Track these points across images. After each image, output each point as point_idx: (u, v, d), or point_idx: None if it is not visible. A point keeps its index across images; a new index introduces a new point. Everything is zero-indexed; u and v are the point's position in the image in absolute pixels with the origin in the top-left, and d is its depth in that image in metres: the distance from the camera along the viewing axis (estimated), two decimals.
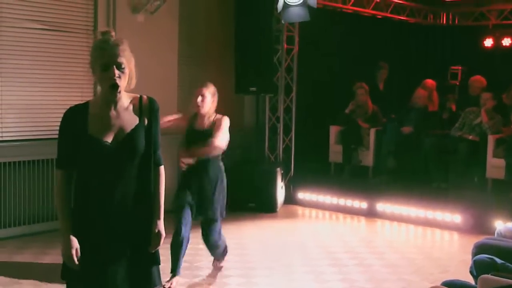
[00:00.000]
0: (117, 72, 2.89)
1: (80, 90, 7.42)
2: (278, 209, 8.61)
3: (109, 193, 2.92)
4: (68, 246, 2.88)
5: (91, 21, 7.49)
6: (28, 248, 6.41)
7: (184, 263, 5.99)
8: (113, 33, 2.99)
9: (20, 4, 6.86)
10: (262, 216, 8.09)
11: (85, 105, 2.98)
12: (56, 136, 3.01)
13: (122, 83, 2.92)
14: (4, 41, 6.77)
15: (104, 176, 2.92)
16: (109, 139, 2.90)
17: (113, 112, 2.94)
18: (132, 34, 7.71)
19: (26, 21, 6.92)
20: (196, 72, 8.66)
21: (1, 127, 6.81)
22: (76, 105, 3.00)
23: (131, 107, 2.99)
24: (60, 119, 3.02)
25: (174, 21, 8.29)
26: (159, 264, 3.10)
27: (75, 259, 2.89)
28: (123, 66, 2.92)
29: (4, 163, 6.71)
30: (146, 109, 3.01)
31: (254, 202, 8.54)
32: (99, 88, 2.99)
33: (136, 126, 2.95)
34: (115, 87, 2.88)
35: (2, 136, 6.82)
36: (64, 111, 3.03)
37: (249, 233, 7.34)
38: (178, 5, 8.32)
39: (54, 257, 6.09)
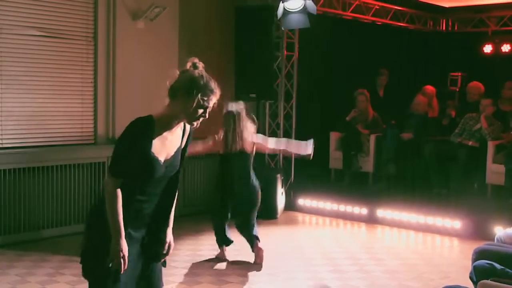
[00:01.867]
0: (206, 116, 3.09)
1: (81, 97, 7.44)
2: (278, 216, 8.61)
3: (150, 205, 3.14)
4: (119, 249, 2.99)
5: (91, 28, 7.51)
6: (28, 255, 6.41)
7: (183, 269, 6.01)
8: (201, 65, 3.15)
9: (20, 11, 6.88)
10: (262, 223, 8.06)
11: (152, 121, 3.02)
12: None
13: None
14: (4, 48, 6.79)
15: (151, 191, 3.11)
16: (163, 158, 3.08)
17: (169, 134, 3.11)
18: (132, 41, 7.76)
19: (26, 28, 6.94)
20: None
21: (1, 134, 6.82)
22: (146, 121, 3.02)
23: (178, 131, 3.16)
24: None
25: (174, 27, 8.31)
26: (165, 266, 3.37)
27: (125, 261, 3.00)
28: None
29: (5, 170, 6.72)
30: (186, 134, 3.23)
31: None
32: (173, 106, 3.08)
33: (178, 149, 3.17)
34: (194, 124, 3.12)
35: (2, 143, 6.82)
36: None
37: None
38: (178, 12, 8.34)
39: (54, 264, 6.09)
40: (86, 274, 3.14)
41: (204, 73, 3.09)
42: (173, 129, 3.10)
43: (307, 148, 6.13)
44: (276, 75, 8.94)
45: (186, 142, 3.24)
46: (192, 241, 7.16)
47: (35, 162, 6.92)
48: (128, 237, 3.05)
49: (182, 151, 3.22)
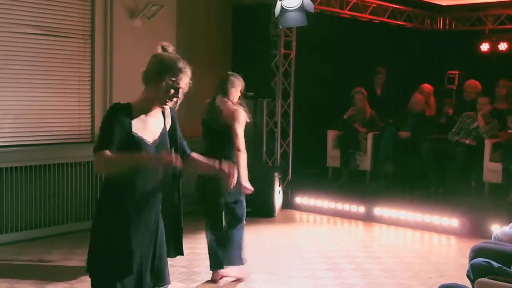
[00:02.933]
0: (180, 97, 3.18)
1: (77, 95, 7.43)
2: (276, 214, 8.61)
3: (145, 187, 3.13)
4: (147, 157, 3.01)
5: (88, 26, 7.49)
6: (24, 254, 6.40)
7: (182, 268, 6.01)
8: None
9: (17, 9, 6.86)
10: (260, 221, 8.08)
11: (129, 105, 3.13)
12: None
13: None
14: (0, 46, 6.76)
15: (143, 172, 3.09)
16: (150, 139, 3.14)
17: (150, 116, 3.17)
18: (129, 39, 7.74)
19: (23, 26, 6.92)
20: (193, 76, 8.67)
21: None
22: (122, 104, 3.14)
23: (158, 112, 3.22)
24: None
25: (172, 26, 8.29)
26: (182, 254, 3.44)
27: (168, 156, 3.00)
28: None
29: (1, 168, 6.70)
30: (167, 115, 3.28)
31: (251, 207, 8.48)
32: (147, 91, 3.19)
33: (163, 129, 3.23)
34: (167, 105, 3.17)
35: None
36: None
37: (247, 238, 7.28)
38: (175, 10, 8.33)
39: (53, 263, 6.09)
40: (91, 272, 3.14)
41: (173, 55, 3.18)
42: (152, 112, 3.17)
43: (247, 185, 5.40)
44: (274, 74, 8.93)
45: (174, 126, 3.28)
46: (191, 239, 7.15)
47: (32, 161, 6.90)
48: (135, 226, 3.07)
49: (173, 136, 3.26)
